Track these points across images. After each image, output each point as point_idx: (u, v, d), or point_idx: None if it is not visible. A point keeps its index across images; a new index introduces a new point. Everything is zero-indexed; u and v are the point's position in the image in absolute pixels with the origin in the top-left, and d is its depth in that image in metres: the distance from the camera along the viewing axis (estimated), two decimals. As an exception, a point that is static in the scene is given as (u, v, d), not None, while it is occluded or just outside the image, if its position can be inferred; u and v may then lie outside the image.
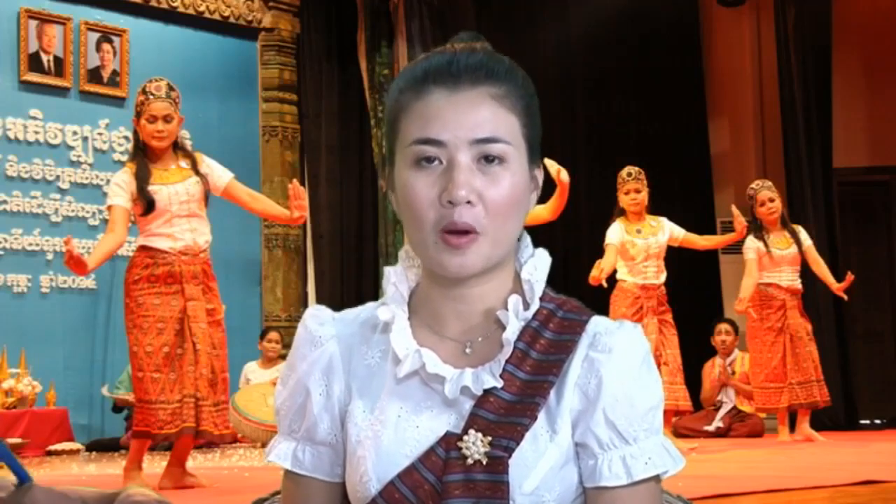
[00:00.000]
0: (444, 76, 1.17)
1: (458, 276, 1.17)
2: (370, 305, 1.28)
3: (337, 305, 1.25)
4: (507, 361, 1.17)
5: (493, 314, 1.20)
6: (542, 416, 1.16)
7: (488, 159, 1.16)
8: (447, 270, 1.17)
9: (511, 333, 1.17)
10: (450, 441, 1.14)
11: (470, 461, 1.13)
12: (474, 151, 1.15)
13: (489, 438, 1.13)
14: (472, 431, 1.14)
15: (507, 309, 1.19)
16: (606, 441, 1.15)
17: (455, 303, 1.21)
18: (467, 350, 1.20)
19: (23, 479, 1.34)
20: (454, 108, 1.16)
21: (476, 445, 1.13)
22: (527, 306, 1.20)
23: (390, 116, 1.22)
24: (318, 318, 1.26)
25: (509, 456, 1.13)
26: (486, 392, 1.16)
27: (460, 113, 1.15)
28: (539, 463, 1.14)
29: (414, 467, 1.14)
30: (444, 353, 1.20)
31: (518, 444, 1.13)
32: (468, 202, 1.14)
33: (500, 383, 1.16)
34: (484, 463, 1.12)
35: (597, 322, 1.20)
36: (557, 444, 1.15)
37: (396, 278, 1.25)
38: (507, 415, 1.14)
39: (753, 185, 7.25)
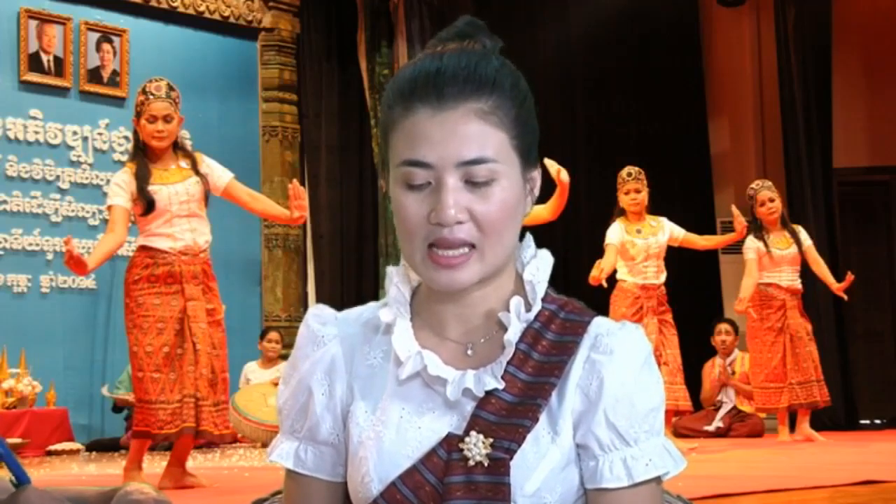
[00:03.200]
0: (429, 93, 1.15)
1: (448, 291, 1.18)
2: (372, 305, 1.27)
3: (337, 305, 1.25)
4: (508, 363, 1.17)
5: (495, 316, 1.20)
6: (543, 417, 1.16)
7: (476, 180, 1.15)
8: (437, 286, 1.17)
9: (512, 335, 1.17)
10: (451, 442, 1.15)
11: (471, 462, 1.13)
12: (461, 172, 1.14)
13: (490, 440, 1.13)
14: (473, 433, 1.14)
15: (508, 310, 1.19)
16: (607, 442, 1.15)
17: (456, 305, 1.21)
18: (469, 352, 1.20)
19: (21, 479, 1.34)
20: (440, 128, 1.14)
21: (477, 447, 1.13)
22: (528, 307, 1.20)
23: (382, 128, 1.22)
24: (320, 318, 1.26)
25: (511, 457, 1.13)
26: (488, 393, 1.16)
27: (446, 133, 1.14)
28: (540, 464, 1.14)
29: (415, 468, 1.15)
30: (446, 355, 1.20)
31: (519, 445, 1.13)
32: (458, 221, 1.14)
33: (501, 384, 1.16)
34: (485, 464, 1.12)
35: (598, 323, 1.20)
36: (559, 445, 1.15)
37: (399, 279, 1.25)
38: (509, 416, 1.14)
39: (753, 185, 7.25)
